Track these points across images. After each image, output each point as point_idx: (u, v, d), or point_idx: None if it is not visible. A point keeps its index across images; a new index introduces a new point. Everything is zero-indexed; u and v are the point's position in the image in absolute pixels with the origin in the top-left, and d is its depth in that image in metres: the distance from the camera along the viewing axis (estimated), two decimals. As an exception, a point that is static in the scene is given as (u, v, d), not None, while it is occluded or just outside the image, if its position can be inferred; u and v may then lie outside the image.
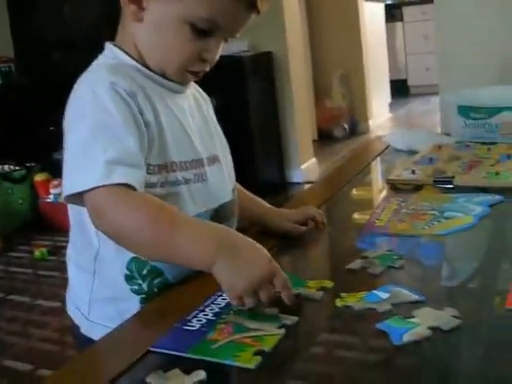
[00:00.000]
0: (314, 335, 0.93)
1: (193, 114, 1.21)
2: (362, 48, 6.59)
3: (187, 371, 0.81)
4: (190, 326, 0.93)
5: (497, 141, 1.85)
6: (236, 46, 4.52)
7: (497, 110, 1.87)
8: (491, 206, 1.34)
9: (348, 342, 0.92)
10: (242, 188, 1.35)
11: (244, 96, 4.50)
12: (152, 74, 1.13)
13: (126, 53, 1.13)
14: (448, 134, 2.04)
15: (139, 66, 1.12)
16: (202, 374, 0.81)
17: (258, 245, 0.98)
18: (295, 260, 1.28)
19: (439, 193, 1.49)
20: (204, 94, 1.32)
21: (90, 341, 1.10)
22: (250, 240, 0.99)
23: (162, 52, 1.11)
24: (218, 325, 0.92)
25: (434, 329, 0.85)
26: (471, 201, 1.37)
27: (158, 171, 1.08)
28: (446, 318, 0.87)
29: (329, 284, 1.03)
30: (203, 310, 0.97)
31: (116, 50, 1.14)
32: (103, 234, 1.05)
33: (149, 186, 1.06)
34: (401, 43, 8.80)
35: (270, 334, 0.88)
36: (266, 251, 0.97)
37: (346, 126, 6.54)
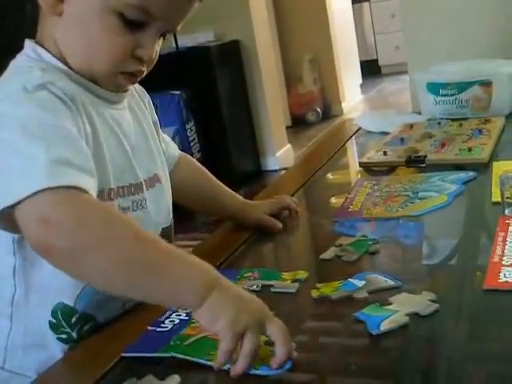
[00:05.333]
0: (290, 328, 0.90)
1: (130, 130, 1.05)
2: (329, 31, 6.56)
3: (162, 377, 0.79)
4: (162, 327, 0.90)
5: (468, 116, 1.84)
6: (202, 36, 4.48)
7: (466, 85, 1.86)
8: (465, 182, 1.33)
9: (327, 331, 0.90)
10: (216, 181, 1.31)
11: (214, 86, 4.46)
12: (83, 79, 0.96)
13: (51, 54, 0.96)
14: (419, 113, 2.02)
15: (67, 69, 0.95)
16: (176, 379, 0.78)
17: None
18: (269, 251, 1.27)
19: (413, 173, 1.47)
20: (139, 89, 1.14)
21: None
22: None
23: (88, 51, 0.94)
24: (191, 323, 0.89)
25: (411, 314, 0.83)
26: (445, 179, 1.35)
27: None
28: (423, 303, 0.85)
29: (303, 275, 1.01)
30: (176, 311, 0.94)
31: (39, 49, 0.96)
32: (24, 276, 0.93)
33: None
34: (368, 23, 8.78)
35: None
36: None
37: (318, 110, 6.53)
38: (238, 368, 0.76)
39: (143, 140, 1.08)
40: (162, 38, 0.98)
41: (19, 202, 0.79)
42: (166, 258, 0.81)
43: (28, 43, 0.98)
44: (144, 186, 1.03)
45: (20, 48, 0.99)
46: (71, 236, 0.78)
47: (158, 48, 0.98)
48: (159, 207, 1.08)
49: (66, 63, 0.96)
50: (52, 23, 0.95)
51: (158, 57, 0.99)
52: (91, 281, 0.84)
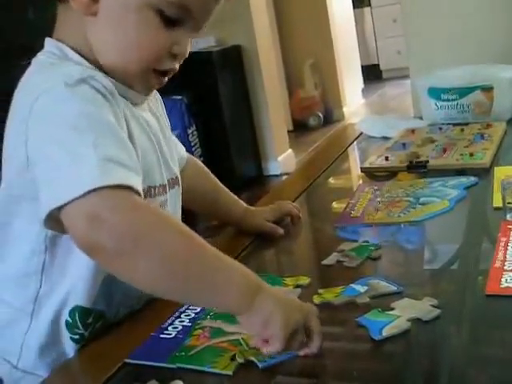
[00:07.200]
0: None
1: (156, 130, 1.05)
2: (331, 36, 6.57)
3: (165, 382, 0.79)
4: (166, 334, 0.91)
5: (469, 121, 1.84)
6: (203, 41, 4.49)
7: (468, 90, 1.86)
8: (467, 188, 1.33)
9: (329, 337, 0.89)
10: (221, 186, 1.30)
11: (216, 91, 4.47)
12: (112, 79, 0.93)
13: (76, 51, 0.94)
14: (420, 118, 2.02)
15: (95, 68, 0.93)
16: (179, 384, 0.79)
17: None
18: (271, 256, 1.26)
19: (414, 178, 1.47)
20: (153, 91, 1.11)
21: None
22: None
23: (125, 48, 0.93)
24: (194, 331, 0.90)
25: (413, 320, 0.84)
26: (446, 184, 1.35)
27: None
28: (425, 308, 0.85)
29: (305, 280, 1.01)
30: (179, 317, 0.94)
31: (65, 47, 0.94)
32: (51, 273, 0.93)
33: None
34: (370, 28, 8.78)
35: (248, 336, 0.86)
36: None
37: (320, 114, 6.52)
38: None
39: (165, 141, 1.07)
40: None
41: (68, 202, 0.78)
42: (213, 262, 0.81)
43: (51, 41, 0.96)
44: (167, 187, 1.03)
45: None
46: (123, 238, 0.77)
47: (190, 44, 0.98)
48: (176, 209, 1.08)
49: (93, 63, 0.94)
50: (84, 23, 0.93)
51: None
52: (138, 282, 0.82)
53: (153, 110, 1.08)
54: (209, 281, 0.80)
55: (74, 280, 0.94)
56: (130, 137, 0.92)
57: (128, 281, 0.82)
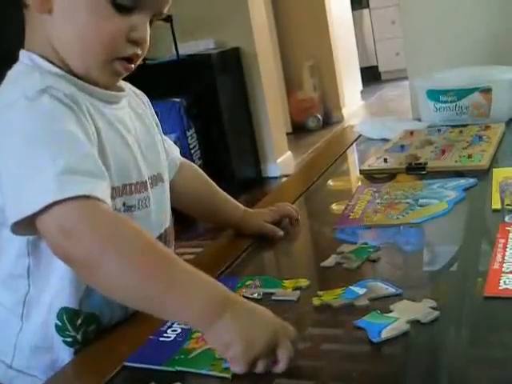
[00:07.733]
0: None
1: (135, 127, 1.05)
2: (330, 38, 6.58)
3: (164, 385, 0.79)
4: (165, 337, 0.90)
5: (468, 123, 1.84)
6: (202, 44, 4.49)
7: (466, 92, 1.86)
8: (466, 189, 1.33)
9: (328, 339, 0.90)
10: (218, 189, 1.30)
11: (214, 93, 4.46)
12: (80, 81, 0.95)
13: (47, 59, 0.95)
14: (419, 119, 2.03)
15: (64, 73, 0.94)
16: (179, 387, 0.79)
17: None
18: (271, 259, 1.26)
19: (413, 180, 1.47)
20: (139, 92, 1.15)
21: None
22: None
23: (83, 40, 0.93)
24: (193, 333, 0.90)
25: (412, 322, 0.83)
26: (445, 186, 1.35)
27: None
28: (424, 310, 0.85)
29: (304, 283, 1.01)
30: (178, 319, 0.94)
31: (34, 56, 0.95)
32: (38, 275, 0.95)
33: None
34: (369, 30, 8.80)
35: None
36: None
37: (319, 116, 6.53)
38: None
39: (148, 137, 1.08)
40: (151, 22, 0.99)
41: (39, 213, 0.80)
42: (175, 276, 0.82)
43: (23, 53, 0.97)
44: (148, 185, 1.03)
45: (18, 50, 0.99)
46: (86, 247, 0.80)
47: (149, 30, 0.98)
48: (162, 207, 1.09)
49: (62, 67, 0.95)
50: (44, 24, 0.95)
51: (148, 43, 0.99)
52: (106, 291, 0.86)
53: (135, 108, 1.09)
54: (169, 297, 0.81)
55: (58, 282, 0.95)
56: (99, 137, 0.93)
57: (100, 291, 0.87)
